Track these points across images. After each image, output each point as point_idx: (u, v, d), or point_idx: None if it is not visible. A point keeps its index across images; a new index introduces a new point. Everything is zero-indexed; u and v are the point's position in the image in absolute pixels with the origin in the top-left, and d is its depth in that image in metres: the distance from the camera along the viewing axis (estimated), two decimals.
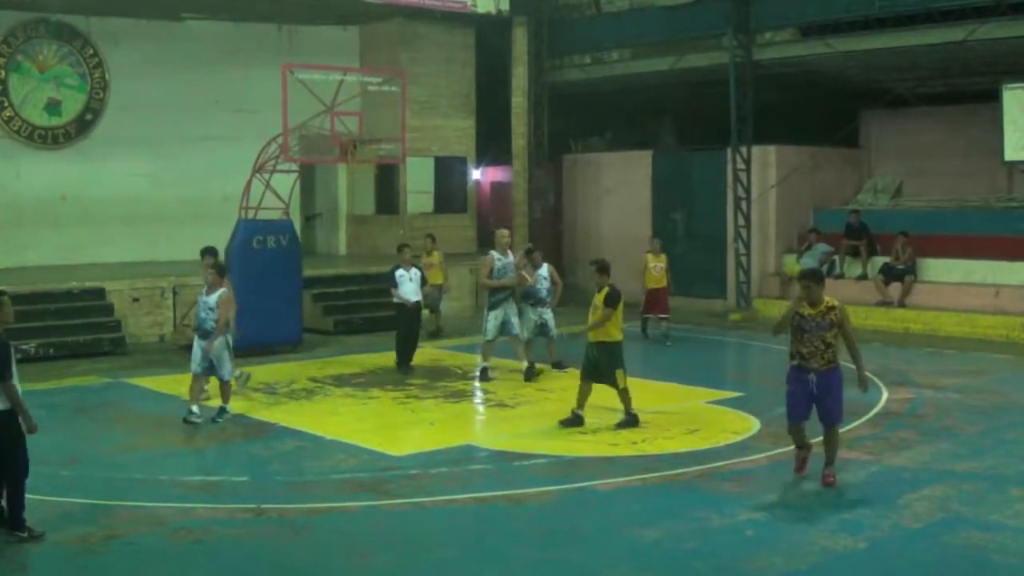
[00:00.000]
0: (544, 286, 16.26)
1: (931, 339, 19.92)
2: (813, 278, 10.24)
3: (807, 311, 10.06)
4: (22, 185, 22.80)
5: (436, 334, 20.36)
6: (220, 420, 13.07)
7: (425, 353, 17.85)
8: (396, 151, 20.50)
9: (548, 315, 16.31)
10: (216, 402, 13.36)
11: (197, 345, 13.17)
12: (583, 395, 12.77)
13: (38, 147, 23.31)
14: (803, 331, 10.06)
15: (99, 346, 18.43)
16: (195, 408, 13.04)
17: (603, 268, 12.83)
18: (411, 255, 16.52)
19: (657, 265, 19.58)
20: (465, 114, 26.51)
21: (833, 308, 10.07)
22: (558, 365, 16.35)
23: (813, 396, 10.12)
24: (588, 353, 12.75)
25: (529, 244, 17.99)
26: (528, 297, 16.21)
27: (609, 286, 12.59)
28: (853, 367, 10.32)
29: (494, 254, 16.06)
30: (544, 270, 16.35)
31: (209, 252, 14.66)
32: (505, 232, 16.75)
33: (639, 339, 19.06)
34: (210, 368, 13.14)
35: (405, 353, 16.71)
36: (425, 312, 18.11)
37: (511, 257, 16.18)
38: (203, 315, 13.09)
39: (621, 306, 12.64)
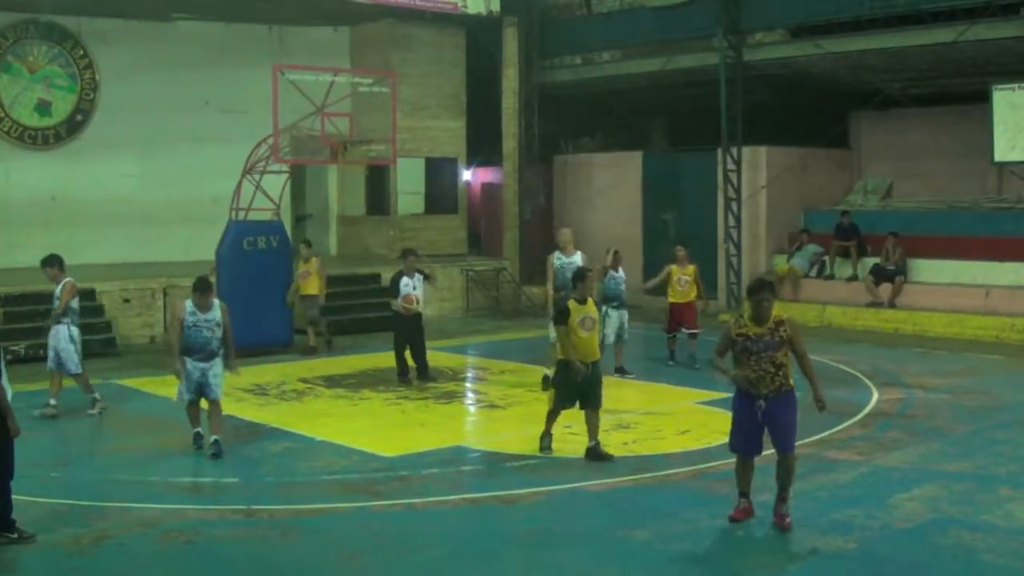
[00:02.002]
0: (624, 288, 16.29)
1: (921, 340, 19.96)
2: (771, 292, 8.92)
3: (753, 330, 8.82)
4: (12, 186, 22.77)
5: (312, 351, 18.58)
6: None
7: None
8: (387, 152, 20.51)
9: (626, 318, 16.31)
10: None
11: (195, 368, 11.63)
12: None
13: (28, 148, 23.29)
14: (749, 353, 8.81)
15: (89, 347, 18.33)
16: (201, 429, 11.93)
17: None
18: (415, 260, 16.21)
19: (682, 278, 17.18)
20: (456, 115, 26.50)
21: (782, 323, 8.83)
22: (620, 371, 16.14)
23: (761, 426, 8.95)
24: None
25: (615, 249, 16.69)
26: (612, 299, 15.90)
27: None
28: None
29: (556, 254, 15.54)
30: (622, 272, 16.33)
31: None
32: (567, 231, 16.19)
33: (663, 361, 17.31)
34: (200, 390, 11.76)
35: (418, 360, 16.17)
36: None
37: (576, 257, 15.29)
38: (207, 335, 11.62)
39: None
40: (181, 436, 12.51)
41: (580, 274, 11.65)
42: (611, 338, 15.68)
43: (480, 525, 9.50)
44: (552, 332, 15.31)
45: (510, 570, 8.42)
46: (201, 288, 11.60)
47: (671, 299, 17.28)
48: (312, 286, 18.69)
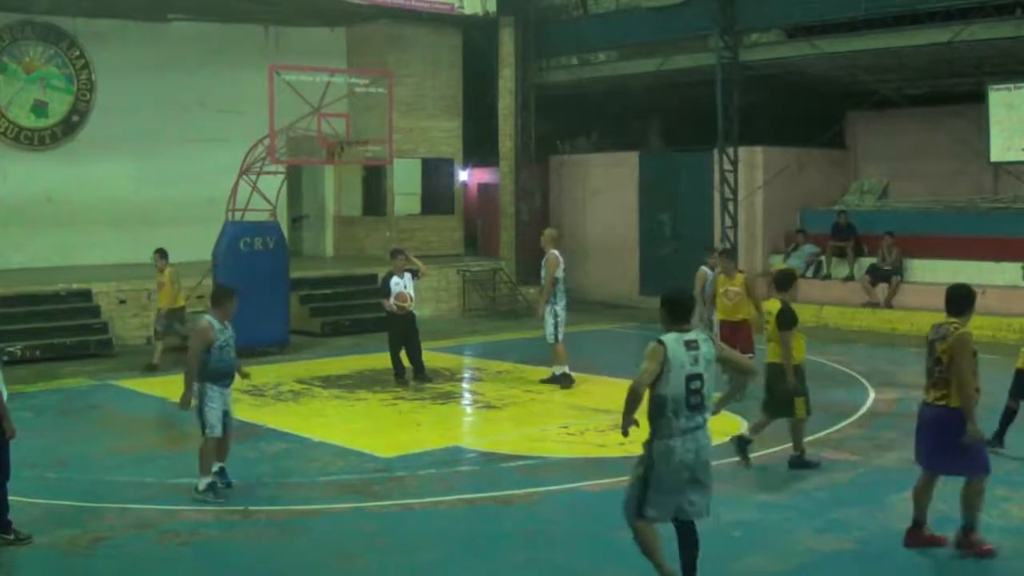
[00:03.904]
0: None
1: (918, 339, 19.66)
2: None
3: None
4: (8, 187, 22.73)
5: (154, 368, 16.89)
6: None
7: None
8: (383, 152, 20.52)
9: (715, 318, 16.26)
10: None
11: (223, 396, 10.16)
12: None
13: (24, 148, 23.25)
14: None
15: (86, 348, 18.38)
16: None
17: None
18: (404, 260, 16.20)
19: (731, 290, 14.37)
20: (452, 115, 26.49)
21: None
22: None
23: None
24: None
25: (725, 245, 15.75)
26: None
27: None
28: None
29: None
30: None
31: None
32: (549, 230, 16.28)
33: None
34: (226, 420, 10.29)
35: (414, 360, 16.12)
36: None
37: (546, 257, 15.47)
38: (233, 354, 10.22)
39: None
40: (177, 437, 12.52)
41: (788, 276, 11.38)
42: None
43: (477, 526, 9.51)
44: (550, 332, 15.38)
45: (507, 571, 8.42)
46: (226, 295, 10.29)
47: (719, 316, 14.58)
48: (164, 298, 17.31)
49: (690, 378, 7.00)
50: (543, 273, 15.59)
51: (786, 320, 10.72)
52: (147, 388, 15.57)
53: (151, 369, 16.82)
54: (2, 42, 22.90)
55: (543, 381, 15.65)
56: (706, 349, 7.11)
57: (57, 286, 19.52)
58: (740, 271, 14.85)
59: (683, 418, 7.04)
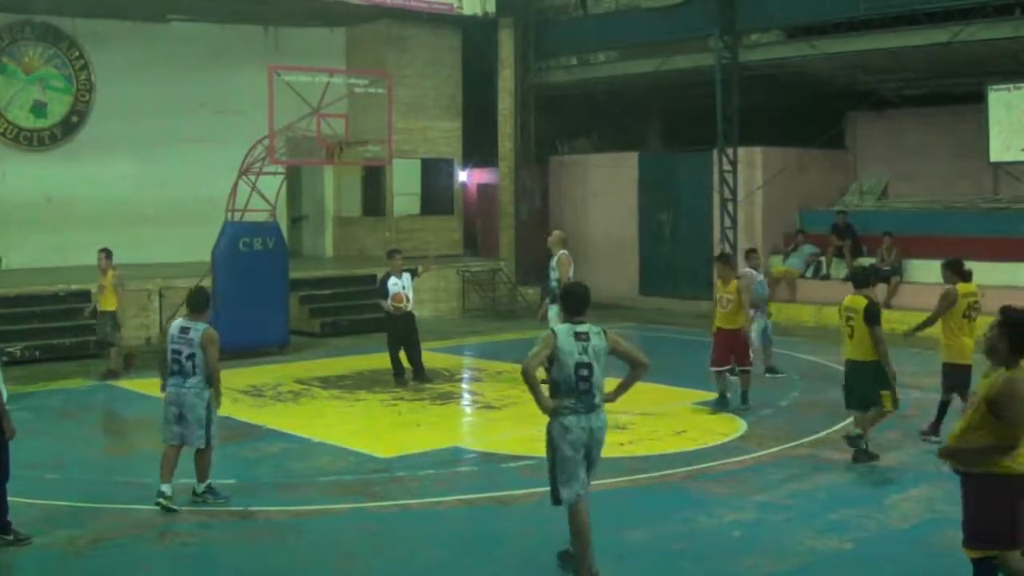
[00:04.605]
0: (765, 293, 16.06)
1: (916, 340, 19.90)
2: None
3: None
4: (7, 187, 22.73)
5: (113, 374, 16.43)
6: None
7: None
8: (382, 153, 20.51)
9: (770, 320, 16.23)
10: None
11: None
12: None
13: (24, 149, 23.27)
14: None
15: (85, 348, 18.35)
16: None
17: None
18: (402, 260, 16.19)
19: (724, 297, 13.93)
20: (451, 116, 26.50)
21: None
22: (772, 370, 16.03)
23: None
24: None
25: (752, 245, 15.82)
26: (757, 304, 15.54)
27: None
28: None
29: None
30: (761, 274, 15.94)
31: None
32: (555, 232, 16.09)
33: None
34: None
35: (413, 361, 16.10)
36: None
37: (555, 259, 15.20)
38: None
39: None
40: None
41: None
42: (756, 342, 15.34)
43: (476, 526, 9.51)
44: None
45: (506, 571, 8.42)
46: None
47: (716, 323, 14.12)
48: (108, 301, 16.55)
49: (579, 366, 7.62)
50: (553, 275, 15.14)
51: (873, 315, 10.98)
52: (147, 389, 15.54)
53: (112, 375, 16.31)
54: (1, 42, 22.91)
55: (768, 370, 15.89)
56: (596, 342, 7.69)
57: (56, 287, 19.51)
58: (738, 277, 14.26)
59: (574, 400, 7.67)
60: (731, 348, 13.73)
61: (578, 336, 7.67)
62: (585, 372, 7.63)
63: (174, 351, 9.72)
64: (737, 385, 13.96)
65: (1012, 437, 6.33)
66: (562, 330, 7.76)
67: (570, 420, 7.70)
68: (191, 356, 9.65)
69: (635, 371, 7.99)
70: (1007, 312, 6.82)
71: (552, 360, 7.66)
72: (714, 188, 23.66)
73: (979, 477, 6.43)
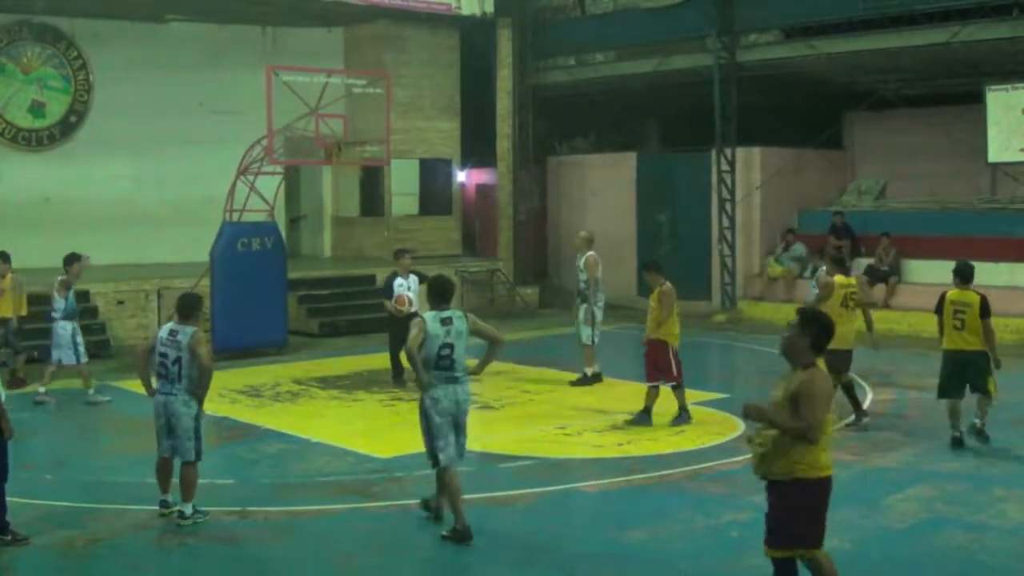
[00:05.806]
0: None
1: (915, 340, 19.95)
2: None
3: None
4: (6, 187, 22.68)
5: (20, 383, 15.40)
6: None
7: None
8: (381, 153, 20.51)
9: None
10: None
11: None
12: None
13: (22, 149, 23.24)
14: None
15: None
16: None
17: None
18: (410, 260, 16.14)
19: (650, 304, 13.12)
20: (450, 116, 26.49)
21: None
22: None
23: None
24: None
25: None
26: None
27: None
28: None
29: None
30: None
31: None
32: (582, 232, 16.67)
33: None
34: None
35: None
36: None
37: (582, 260, 15.88)
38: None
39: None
40: None
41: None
42: None
43: (475, 526, 9.50)
44: (587, 334, 15.40)
45: (504, 572, 8.43)
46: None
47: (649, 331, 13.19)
48: (6, 307, 15.81)
49: (442, 346, 8.93)
50: (581, 276, 15.80)
51: (988, 309, 11.75)
52: (144, 390, 15.51)
53: (19, 384, 15.34)
54: None
55: (573, 384, 15.60)
56: (458, 324, 9.03)
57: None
58: (661, 284, 13.01)
59: (440, 374, 8.97)
60: (654, 361, 12.88)
61: (443, 321, 8.97)
62: (447, 351, 8.93)
63: (161, 354, 9.56)
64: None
65: (811, 430, 6.61)
66: (430, 317, 9.03)
67: (438, 392, 8.96)
68: (177, 360, 9.44)
69: (492, 347, 9.33)
70: (804, 311, 7.16)
71: (422, 342, 8.89)
72: (712, 188, 23.67)
73: (784, 483, 6.76)
